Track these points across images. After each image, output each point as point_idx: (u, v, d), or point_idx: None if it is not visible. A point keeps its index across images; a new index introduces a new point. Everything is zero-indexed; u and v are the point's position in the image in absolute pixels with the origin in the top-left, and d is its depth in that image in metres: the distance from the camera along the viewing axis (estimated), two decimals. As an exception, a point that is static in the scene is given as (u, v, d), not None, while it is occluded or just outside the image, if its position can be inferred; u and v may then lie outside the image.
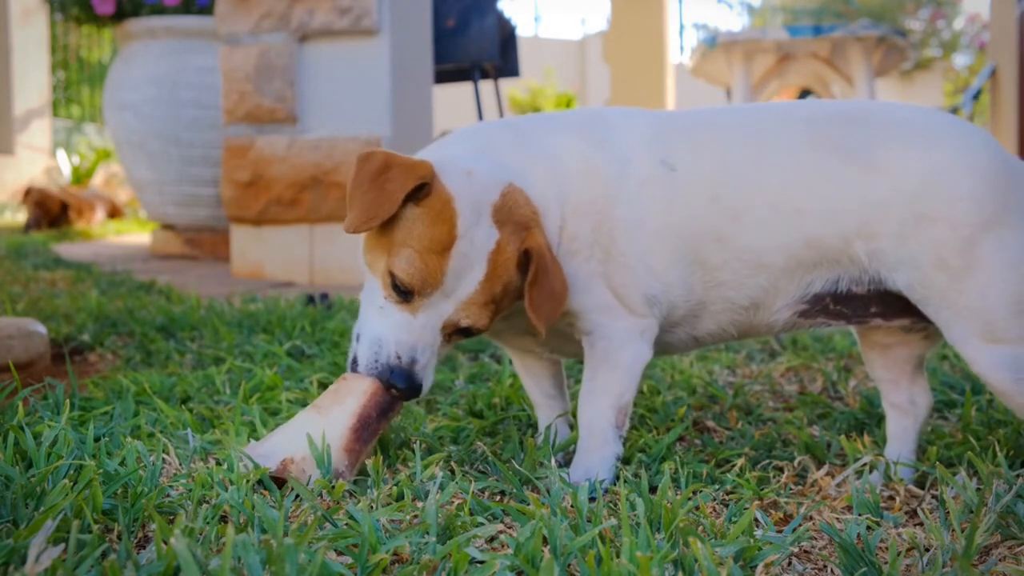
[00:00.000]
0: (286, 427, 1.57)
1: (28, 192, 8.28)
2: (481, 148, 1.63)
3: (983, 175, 1.49)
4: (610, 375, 1.62)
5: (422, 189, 1.48)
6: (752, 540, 1.24)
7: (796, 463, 1.68)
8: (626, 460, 1.67)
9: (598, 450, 1.60)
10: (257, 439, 1.69)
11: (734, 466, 1.65)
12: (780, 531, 1.37)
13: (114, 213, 9.39)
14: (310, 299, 3.45)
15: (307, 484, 1.46)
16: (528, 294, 1.49)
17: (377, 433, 1.55)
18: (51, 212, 8.17)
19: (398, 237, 1.49)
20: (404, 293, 1.49)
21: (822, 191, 1.54)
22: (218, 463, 1.60)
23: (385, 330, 1.51)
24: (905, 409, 1.73)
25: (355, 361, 1.55)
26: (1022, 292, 1.47)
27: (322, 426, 1.52)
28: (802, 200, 1.54)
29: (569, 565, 1.21)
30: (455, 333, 1.54)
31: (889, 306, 1.59)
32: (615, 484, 1.54)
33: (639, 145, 1.61)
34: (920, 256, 1.49)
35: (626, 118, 1.67)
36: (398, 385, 1.50)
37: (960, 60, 16.05)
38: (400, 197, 1.46)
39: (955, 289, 1.48)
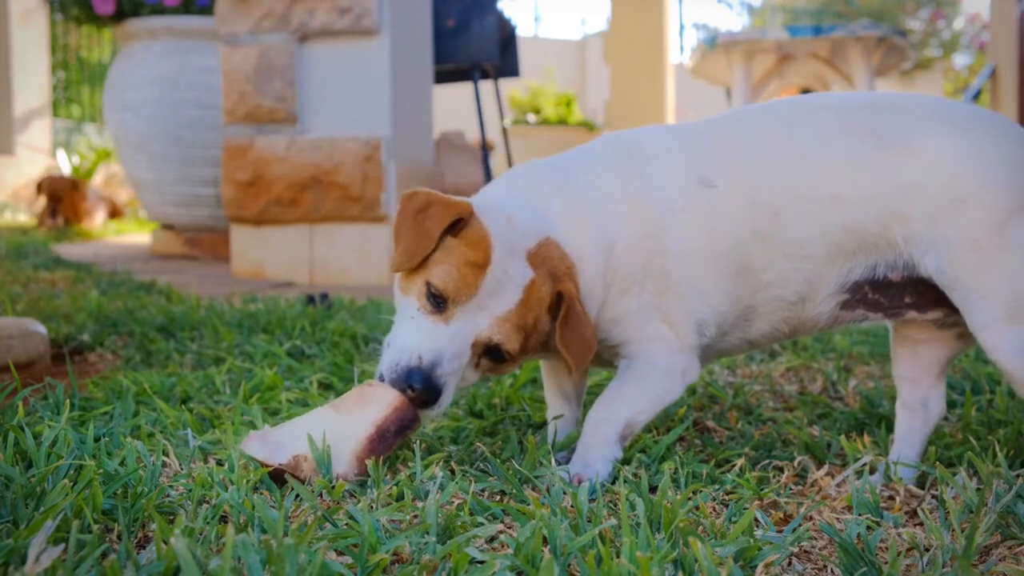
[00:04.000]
0: (301, 420, 1.55)
1: (40, 186, 8.30)
2: (523, 193, 1.67)
3: (1014, 161, 1.52)
4: (637, 394, 1.65)
5: (459, 223, 1.54)
6: (752, 540, 1.24)
7: (796, 463, 1.68)
8: (626, 460, 1.67)
9: (599, 448, 1.61)
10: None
11: (734, 466, 1.65)
12: (780, 531, 1.37)
13: (114, 213, 9.40)
14: (310, 299, 3.45)
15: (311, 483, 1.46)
16: (560, 332, 1.54)
17: (391, 448, 1.53)
18: (61, 197, 8.17)
19: (435, 258, 1.54)
20: (438, 302, 1.52)
21: (858, 176, 1.57)
22: (218, 463, 1.60)
23: (411, 336, 1.54)
24: (917, 411, 1.73)
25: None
26: None
27: (339, 427, 1.52)
28: (839, 186, 1.57)
29: (569, 565, 1.21)
30: (484, 355, 1.56)
31: (922, 296, 1.62)
32: (614, 483, 1.55)
33: (676, 169, 1.65)
34: (952, 237, 1.52)
35: (659, 141, 1.69)
36: (415, 384, 1.50)
37: (960, 60, 16.05)
38: (437, 234, 1.52)
39: (984, 271, 1.51)
